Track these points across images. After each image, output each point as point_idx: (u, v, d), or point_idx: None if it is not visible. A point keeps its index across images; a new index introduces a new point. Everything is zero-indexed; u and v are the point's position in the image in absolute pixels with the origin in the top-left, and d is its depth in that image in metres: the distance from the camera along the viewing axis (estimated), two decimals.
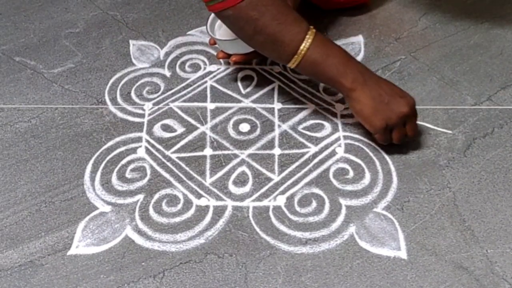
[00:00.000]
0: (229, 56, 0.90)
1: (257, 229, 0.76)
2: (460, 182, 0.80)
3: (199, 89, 0.93)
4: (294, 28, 0.75)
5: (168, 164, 0.83)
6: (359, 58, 0.97)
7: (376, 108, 0.76)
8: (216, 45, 0.92)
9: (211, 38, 0.92)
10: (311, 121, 0.88)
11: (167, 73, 0.96)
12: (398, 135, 0.79)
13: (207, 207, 0.78)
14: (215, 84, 0.93)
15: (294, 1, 0.92)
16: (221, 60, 0.96)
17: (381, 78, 0.79)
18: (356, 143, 0.85)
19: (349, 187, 0.80)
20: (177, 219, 0.77)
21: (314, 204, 0.78)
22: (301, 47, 0.75)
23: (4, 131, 0.87)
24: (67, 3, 1.08)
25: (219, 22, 0.91)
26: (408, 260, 0.72)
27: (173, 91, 0.93)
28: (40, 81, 0.95)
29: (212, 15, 0.90)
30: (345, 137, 0.86)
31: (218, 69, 0.96)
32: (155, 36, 1.02)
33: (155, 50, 0.99)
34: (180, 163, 0.83)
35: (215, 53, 0.97)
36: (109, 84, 0.94)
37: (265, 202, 0.78)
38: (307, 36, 0.75)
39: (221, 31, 0.91)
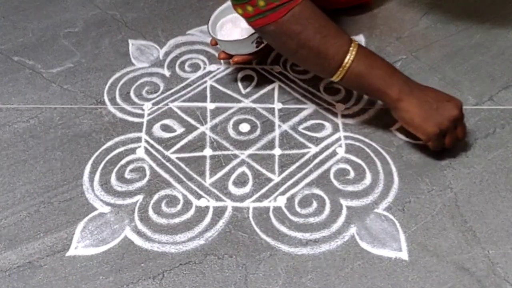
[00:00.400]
0: (230, 56, 0.89)
1: (257, 230, 0.75)
2: (461, 183, 0.80)
3: (199, 89, 0.92)
4: (337, 41, 0.74)
5: (168, 164, 0.82)
6: None
7: (426, 116, 0.76)
8: (217, 46, 0.92)
9: (212, 39, 0.91)
10: (312, 121, 0.87)
11: (167, 73, 0.95)
12: (450, 139, 0.78)
13: (207, 207, 0.78)
14: (215, 84, 0.93)
15: None
16: (222, 60, 0.96)
17: (425, 86, 0.79)
18: (357, 144, 0.84)
19: (350, 188, 0.79)
20: (177, 220, 0.76)
21: (314, 204, 0.78)
22: (346, 60, 0.75)
23: (2, 131, 0.87)
24: (66, 2, 1.08)
25: (220, 22, 0.91)
26: (409, 261, 0.72)
27: (172, 91, 0.92)
28: (38, 81, 0.94)
29: (214, 15, 0.90)
30: (346, 137, 0.85)
31: (218, 69, 0.95)
32: (154, 36, 1.01)
33: (154, 49, 0.99)
34: (180, 163, 0.82)
35: (215, 53, 0.97)
36: (108, 84, 0.93)
37: (265, 203, 0.78)
38: (351, 49, 0.75)
39: (223, 31, 0.90)
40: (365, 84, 0.77)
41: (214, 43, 0.92)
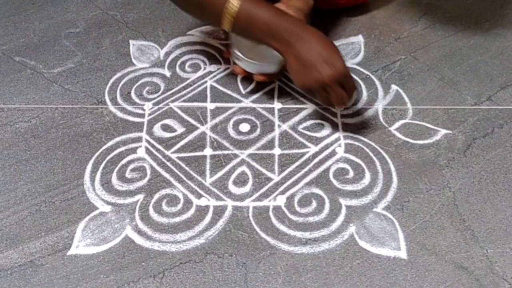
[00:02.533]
0: (247, 72, 0.89)
1: (257, 229, 0.76)
2: (460, 182, 0.80)
3: (199, 89, 0.93)
4: None
5: (168, 164, 0.83)
6: (359, 58, 0.97)
7: (297, 70, 0.78)
8: (233, 58, 0.90)
9: (228, 52, 0.90)
10: (311, 121, 0.88)
11: (167, 73, 0.96)
12: (320, 99, 0.80)
13: (207, 207, 0.78)
14: (215, 84, 0.93)
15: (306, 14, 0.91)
16: (221, 60, 0.96)
17: (318, 35, 0.77)
18: (356, 143, 0.85)
19: (349, 187, 0.80)
20: (177, 219, 0.77)
21: (314, 204, 0.78)
22: (227, 13, 0.77)
23: (4, 131, 0.87)
24: (67, 3, 1.08)
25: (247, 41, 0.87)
26: (408, 260, 0.72)
27: (173, 91, 0.93)
28: (40, 81, 0.95)
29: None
30: (345, 137, 0.86)
31: (218, 69, 0.96)
32: (155, 36, 1.02)
33: (155, 50, 0.99)
34: (180, 163, 0.83)
35: (215, 54, 0.97)
36: (109, 84, 0.94)
37: (265, 202, 0.78)
38: (232, 1, 0.76)
39: (241, 46, 0.88)
40: (250, 35, 0.80)
41: (229, 55, 0.91)
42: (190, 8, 0.82)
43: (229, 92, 0.92)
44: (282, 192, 0.79)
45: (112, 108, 0.90)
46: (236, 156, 0.84)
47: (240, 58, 0.87)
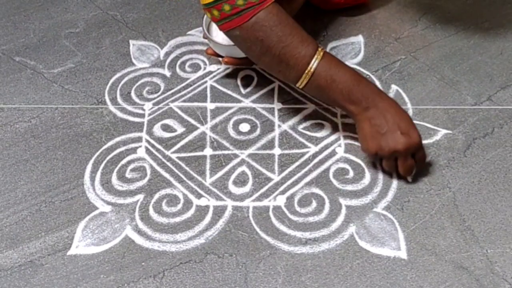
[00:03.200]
0: (218, 55, 0.90)
1: (257, 229, 0.76)
2: (460, 182, 0.80)
3: (199, 89, 0.93)
4: (300, 51, 0.74)
5: (168, 164, 0.83)
6: (359, 58, 0.97)
7: (371, 135, 0.76)
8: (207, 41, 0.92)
9: (205, 36, 0.91)
10: (311, 121, 0.88)
11: (167, 73, 0.96)
12: (386, 167, 0.79)
13: (207, 207, 0.78)
14: (215, 84, 0.93)
15: (293, 7, 0.91)
16: (221, 60, 0.96)
17: (394, 104, 0.77)
18: (356, 143, 0.85)
19: (349, 187, 0.80)
20: (177, 219, 0.77)
21: (314, 204, 0.78)
22: (306, 71, 0.75)
23: (4, 131, 0.87)
24: (67, 3, 1.08)
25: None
26: (408, 260, 0.72)
27: (173, 91, 0.93)
28: (40, 81, 0.95)
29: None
30: (345, 137, 0.86)
31: (218, 69, 0.96)
32: (155, 36, 1.02)
33: (155, 50, 0.99)
34: (180, 163, 0.83)
35: None
36: (109, 84, 0.94)
37: (265, 202, 0.78)
38: (313, 60, 0.75)
39: (215, 31, 0.89)
40: (325, 95, 0.77)
41: (211, 52, 0.92)
42: (267, 60, 0.77)
43: (229, 92, 0.92)
44: (282, 192, 0.79)
45: (112, 108, 0.90)
46: (236, 156, 0.84)
47: (210, 40, 0.88)
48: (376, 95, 0.76)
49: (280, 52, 0.74)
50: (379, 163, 0.80)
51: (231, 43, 0.82)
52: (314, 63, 0.75)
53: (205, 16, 0.89)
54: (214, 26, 0.90)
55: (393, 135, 0.75)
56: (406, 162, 0.77)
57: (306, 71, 0.75)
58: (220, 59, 0.91)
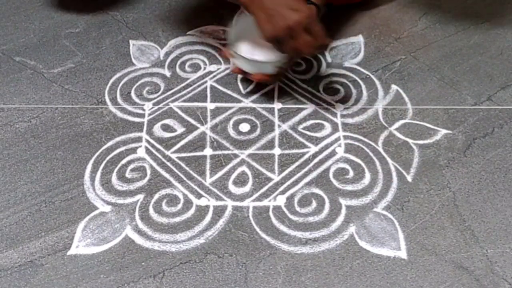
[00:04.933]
0: (243, 71, 0.87)
1: (257, 229, 0.76)
2: (460, 182, 0.80)
3: (199, 89, 0.93)
4: None
5: (168, 164, 0.83)
6: (359, 58, 0.97)
7: (264, 20, 0.76)
8: (231, 58, 0.89)
9: (227, 52, 0.87)
10: (311, 121, 0.88)
11: (167, 73, 0.96)
12: (287, 49, 0.78)
13: (207, 207, 0.78)
14: (215, 84, 0.93)
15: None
16: (221, 60, 0.96)
17: None
18: (356, 143, 0.85)
19: (349, 187, 0.80)
20: (177, 219, 0.77)
21: (314, 204, 0.78)
22: None
23: (4, 131, 0.87)
24: (67, 3, 1.08)
25: (237, 34, 0.87)
26: (408, 260, 0.72)
27: (173, 91, 0.93)
28: (40, 81, 0.95)
29: (234, 25, 0.87)
30: (345, 137, 0.86)
31: (218, 69, 0.96)
32: (155, 36, 1.02)
33: (155, 50, 0.99)
34: (180, 163, 0.83)
35: (215, 54, 0.97)
36: (109, 84, 0.94)
37: (265, 202, 0.78)
38: None
39: (240, 44, 0.87)
40: None
41: (228, 54, 0.89)
42: None
43: (229, 92, 0.92)
44: (282, 192, 0.79)
45: (112, 108, 0.90)
46: (236, 156, 0.84)
47: (237, 57, 0.86)
48: None
49: None
50: (280, 49, 0.79)
51: (260, 58, 0.83)
52: None
53: (232, 34, 0.86)
54: (242, 43, 0.86)
55: (282, 12, 0.75)
56: (303, 38, 0.77)
57: None
58: (251, 77, 0.88)
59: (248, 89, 0.92)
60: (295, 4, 0.77)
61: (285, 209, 0.78)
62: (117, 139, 0.86)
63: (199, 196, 0.79)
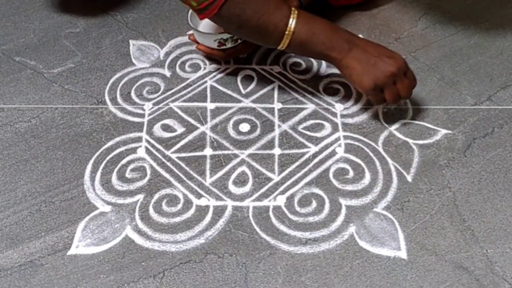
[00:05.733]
0: (197, 42, 0.93)
1: (257, 229, 0.76)
2: (460, 182, 0.80)
3: (199, 89, 0.93)
4: (276, 16, 0.77)
5: (168, 164, 0.83)
6: None
7: (363, 70, 0.78)
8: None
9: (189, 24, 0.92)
10: (311, 121, 0.88)
11: (167, 73, 0.96)
12: (389, 95, 0.80)
13: (207, 207, 0.78)
14: (215, 84, 0.94)
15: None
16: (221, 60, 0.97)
17: (369, 41, 0.82)
18: (356, 143, 0.85)
19: (349, 187, 0.80)
20: (177, 219, 0.77)
21: (314, 204, 0.78)
22: (286, 33, 0.78)
23: (4, 131, 0.87)
24: (67, 3, 1.08)
25: None
26: (408, 260, 0.72)
27: (173, 91, 0.93)
28: (40, 81, 0.95)
29: None
30: (345, 137, 0.86)
31: (218, 69, 0.96)
32: (155, 36, 1.02)
33: (155, 50, 0.99)
34: (180, 163, 0.83)
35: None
36: (109, 84, 0.94)
37: (265, 202, 0.78)
38: (290, 20, 0.78)
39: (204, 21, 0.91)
40: (308, 49, 0.80)
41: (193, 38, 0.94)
42: (246, 31, 0.80)
43: (229, 92, 0.92)
44: (282, 192, 0.79)
45: (112, 108, 0.90)
46: (236, 156, 0.84)
47: (189, 27, 0.91)
48: (352, 37, 0.80)
49: (257, 22, 0.77)
50: (380, 98, 0.81)
51: (209, 31, 0.88)
52: (292, 23, 0.78)
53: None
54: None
55: (382, 61, 0.78)
56: (404, 82, 0.80)
57: (287, 32, 0.78)
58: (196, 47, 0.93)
59: (248, 89, 0.93)
60: (389, 52, 0.81)
61: (285, 209, 0.78)
62: (117, 139, 0.86)
63: (199, 196, 0.79)
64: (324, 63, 0.96)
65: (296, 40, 0.79)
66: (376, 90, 0.79)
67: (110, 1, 1.08)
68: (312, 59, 0.96)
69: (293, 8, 0.79)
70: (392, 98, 0.81)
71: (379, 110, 0.89)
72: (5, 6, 1.08)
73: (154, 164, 0.83)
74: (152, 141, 0.86)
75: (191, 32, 0.95)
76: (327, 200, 0.78)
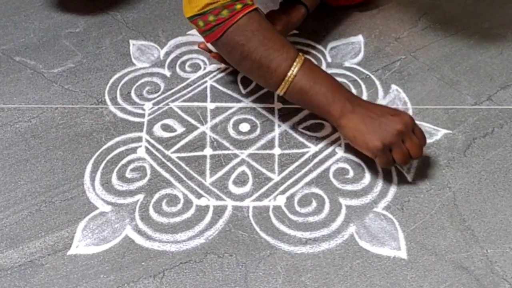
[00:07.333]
0: (209, 50, 0.91)
1: (257, 229, 0.76)
2: (460, 182, 0.80)
3: (199, 89, 0.93)
4: (281, 54, 0.75)
5: (168, 164, 0.83)
6: (359, 57, 0.97)
7: (368, 131, 0.74)
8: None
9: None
10: (311, 121, 0.88)
11: (167, 73, 0.96)
12: (399, 155, 0.74)
13: (207, 207, 0.78)
14: (215, 84, 0.94)
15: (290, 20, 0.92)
16: (209, 55, 0.96)
17: (371, 102, 0.79)
18: None
19: (349, 187, 0.80)
20: (177, 219, 0.77)
21: (314, 204, 0.78)
22: (288, 74, 0.75)
23: (4, 131, 0.87)
24: (67, 3, 1.08)
25: None
26: (408, 260, 0.72)
27: (173, 91, 0.93)
28: (40, 81, 0.95)
29: None
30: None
31: (218, 69, 0.96)
32: (155, 36, 1.02)
33: (155, 50, 0.99)
34: (180, 163, 0.83)
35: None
36: (109, 84, 0.94)
37: (265, 202, 0.78)
38: (295, 64, 0.75)
39: None
40: (307, 100, 0.76)
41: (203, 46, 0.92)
42: (248, 64, 0.77)
43: (229, 92, 0.92)
44: (282, 192, 0.79)
45: (112, 108, 0.90)
46: (236, 156, 0.84)
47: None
48: (354, 97, 0.77)
49: (261, 56, 0.75)
50: (389, 160, 0.75)
51: None
52: (296, 66, 0.75)
53: None
54: None
55: (387, 119, 0.74)
56: (414, 140, 0.74)
57: (289, 74, 0.75)
58: (210, 55, 0.91)
59: (248, 89, 0.93)
60: (393, 110, 0.77)
61: (285, 209, 0.78)
62: (117, 139, 0.86)
63: (199, 196, 0.79)
64: (323, 63, 0.96)
65: (296, 86, 0.75)
66: (384, 151, 0.73)
67: (110, 1, 1.08)
68: (312, 58, 0.96)
69: (300, 54, 0.76)
70: (402, 158, 0.74)
71: None
72: (5, 6, 1.08)
73: (154, 164, 0.83)
74: (152, 141, 0.86)
75: (201, 40, 0.92)
76: (327, 200, 0.78)
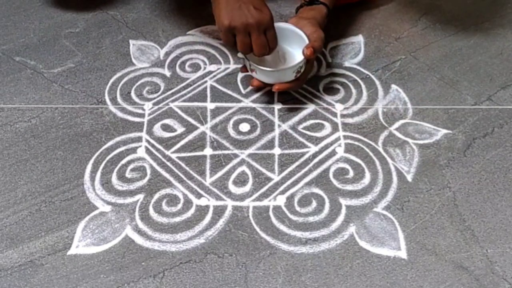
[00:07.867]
0: (265, 84, 0.87)
1: (257, 229, 0.76)
2: (460, 182, 0.80)
3: (199, 89, 0.93)
4: None
5: (168, 164, 0.83)
6: (359, 57, 0.97)
7: (225, 7, 0.78)
8: (248, 73, 0.88)
9: (244, 67, 0.87)
10: (311, 121, 0.88)
11: (167, 73, 0.96)
12: (239, 43, 0.80)
13: (207, 207, 0.78)
14: (215, 84, 0.94)
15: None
16: (221, 60, 0.96)
17: None
18: (356, 143, 0.85)
19: (349, 187, 0.80)
20: (177, 219, 0.77)
21: (314, 204, 0.78)
22: None
23: (4, 131, 0.87)
24: (67, 3, 1.08)
25: None
26: (408, 260, 0.72)
27: (173, 91, 0.93)
28: (40, 81, 0.95)
29: None
30: (345, 137, 0.86)
31: (218, 69, 0.96)
32: (155, 36, 1.02)
33: (155, 50, 0.99)
34: (180, 163, 0.83)
35: (215, 54, 0.97)
36: (109, 84, 0.94)
37: (265, 202, 0.78)
38: None
39: (260, 60, 0.86)
40: None
41: (245, 70, 0.88)
42: None
43: (229, 92, 0.92)
44: (282, 192, 0.79)
45: (112, 108, 0.90)
46: (236, 156, 0.84)
47: (256, 70, 0.84)
48: None
49: None
50: (229, 41, 0.80)
51: (278, 67, 0.85)
52: None
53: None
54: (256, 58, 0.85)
55: (247, 8, 0.78)
56: (260, 38, 0.79)
57: None
58: (273, 88, 0.86)
59: (248, 89, 0.92)
60: (259, 4, 0.79)
61: (285, 209, 0.78)
62: (117, 139, 0.86)
63: (199, 196, 0.79)
64: (324, 63, 0.96)
65: None
66: (228, 30, 0.79)
67: (110, 1, 1.08)
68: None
69: None
70: (241, 47, 0.80)
71: (379, 110, 0.89)
72: (5, 6, 1.08)
73: (154, 164, 0.83)
74: (152, 141, 0.86)
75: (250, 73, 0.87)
76: (327, 200, 0.78)
